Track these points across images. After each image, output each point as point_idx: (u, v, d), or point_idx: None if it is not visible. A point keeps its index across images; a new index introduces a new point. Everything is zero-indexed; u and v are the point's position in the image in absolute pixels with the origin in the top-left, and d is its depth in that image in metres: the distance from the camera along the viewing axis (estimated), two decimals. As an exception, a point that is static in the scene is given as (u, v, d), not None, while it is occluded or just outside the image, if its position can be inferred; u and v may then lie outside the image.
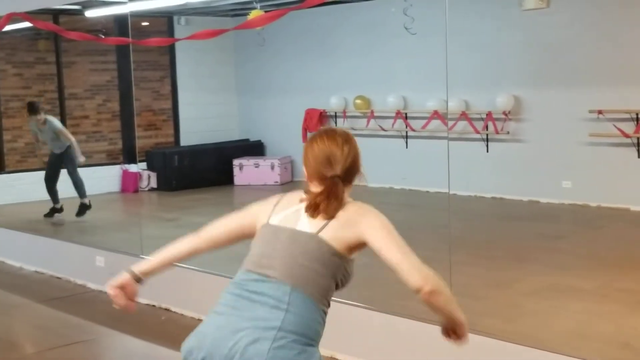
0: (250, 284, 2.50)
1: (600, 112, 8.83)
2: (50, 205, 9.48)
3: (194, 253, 2.81)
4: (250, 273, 2.53)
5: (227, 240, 2.80)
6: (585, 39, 9.09)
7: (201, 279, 6.02)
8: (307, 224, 2.51)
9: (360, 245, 2.53)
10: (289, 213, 2.57)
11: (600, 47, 8.96)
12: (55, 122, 9.53)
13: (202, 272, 6.05)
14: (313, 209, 2.50)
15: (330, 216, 2.50)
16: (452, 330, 2.64)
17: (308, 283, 2.46)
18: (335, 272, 2.51)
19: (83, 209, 9.27)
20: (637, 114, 8.59)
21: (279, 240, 2.52)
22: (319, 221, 2.50)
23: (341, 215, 2.51)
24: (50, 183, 9.51)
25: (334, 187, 2.52)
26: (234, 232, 2.75)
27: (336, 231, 2.50)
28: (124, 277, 2.74)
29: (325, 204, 2.50)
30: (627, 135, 8.66)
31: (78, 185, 9.34)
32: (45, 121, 9.29)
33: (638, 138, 8.66)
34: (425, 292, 2.44)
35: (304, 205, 2.55)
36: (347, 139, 2.62)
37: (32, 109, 9.51)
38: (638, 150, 8.71)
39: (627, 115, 8.69)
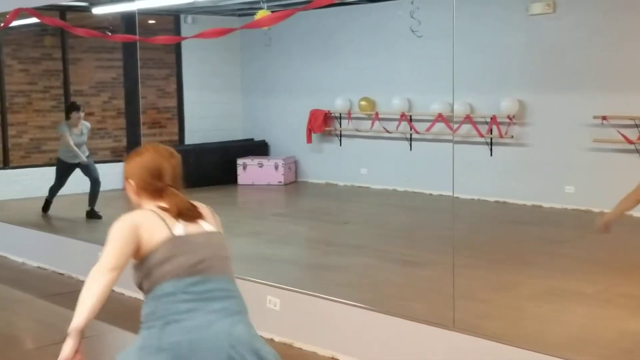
0: (197, 287, 2.74)
1: (604, 117, 8.83)
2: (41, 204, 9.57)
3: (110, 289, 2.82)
4: (191, 278, 2.75)
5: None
6: (590, 45, 9.09)
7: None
8: (207, 226, 2.87)
9: None
10: (182, 223, 2.81)
11: (605, 52, 8.97)
12: (88, 125, 9.55)
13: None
14: (193, 215, 2.84)
15: (202, 215, 2.89)
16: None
17: (231, 270, 2.89)
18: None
19: (95, 215, 9.36)
20: (641, 120, 8.60)
21: (199, 244, 2.80)
22: (205, 221, 2.88)
23: (204, 211, 2.93)
24: (55, 193, 9.54)
25: (175, 197, 2.83)
26: (129, 257, 2.82)
27: (217, 224, 2.94)
28: (73, 345, 2.72)
29: (192, 207, 2.86)
30: (630, 142, 8.66)
31: (96, 196, 9.41)
32: (80, 123, 9.27)
33: (642, 144, 8.66)
34: None
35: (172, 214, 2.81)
36: (172, 153, 2.92)
37: (75, 107, 9.41)
38: (642, 157, 8.72)
39: (631, 122, 8.69)
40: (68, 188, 9.98)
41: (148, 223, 2.78)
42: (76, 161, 9.29)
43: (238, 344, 2.69)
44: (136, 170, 2.86)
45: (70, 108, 9.54)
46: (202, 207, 2.93)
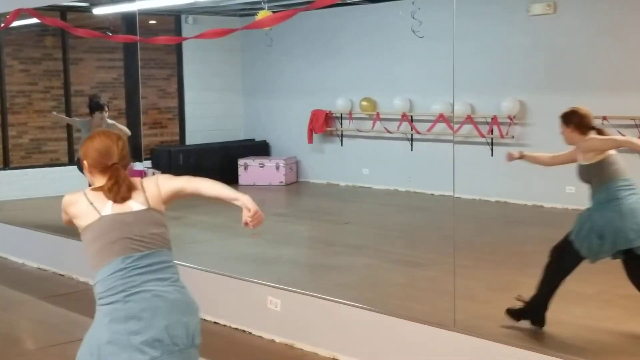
0: (138, 263, 3.09)
1: (604, 118, 8.81)
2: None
3: None
4: (129, 256, 3.08)
5: None
6: (591, 45, 9.09)
7: (203, 278, 6.03)
8: (136, 205, 3.15)
9: (166, 199, 3.25)
10: (111, 203, 3.13)
11: (605, 53, 8.96)
12: (116, 123, 8.89)
13: (205, 271, 6.06)
14: (123, 196, 3.13)
15: (135, 189, 3.18)
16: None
17: (165, 242, 3.20)
18: (166, 224, 3.24)
19: None
20: (642, 121, 8.59)
21: (126, 223, 3.11)
22: (137, 198, 3.17)
23: (141, 186, 3.21)
24: None
25: (118, 171, 3.16)
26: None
27: (151, 198, 3.19)
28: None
29: (123, 186, 3.14)
30: (632, 142, 8.65)
31: None
32: (103, 124, 8.63)
33: (643, 144, 8.64)
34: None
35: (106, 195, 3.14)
36: (119, 137, 3.28)
37: (98, 106, 8.72)
38: (643, 157, 8.71)
39: (631, 122, 8.67)
40: (61, 189, 9.94)
41: (78, 204, 3.16)
42: None
43: (186, 311, 3.17)
44: (89, 152, 3.22)
45: (93, 107, 8.85)
46: (144, 182, 3.24)
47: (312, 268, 7.10)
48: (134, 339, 2.99)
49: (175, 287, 3.18)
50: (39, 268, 7.64)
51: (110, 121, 8.85)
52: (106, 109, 8.79)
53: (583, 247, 4.84)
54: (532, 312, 4.98)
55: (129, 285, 3.05)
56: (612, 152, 4.99)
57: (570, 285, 5.93)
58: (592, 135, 5.01)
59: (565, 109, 9.29)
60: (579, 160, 5.01)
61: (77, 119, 8.81)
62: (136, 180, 3.26)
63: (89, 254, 3.19)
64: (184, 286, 3.24)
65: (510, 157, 5.27)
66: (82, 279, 7.03)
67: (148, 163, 11.84)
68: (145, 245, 3.13)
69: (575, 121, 5.11)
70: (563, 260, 4.88)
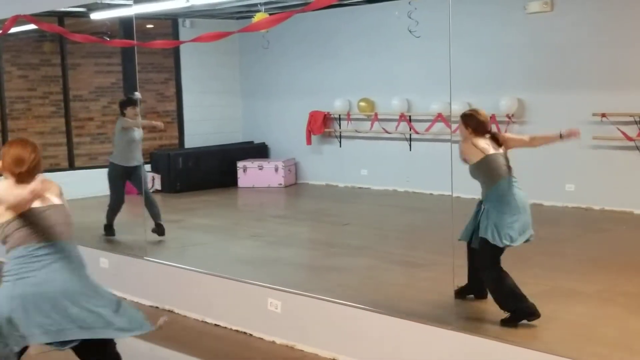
0: (42, 250, 3.69)
1: (603, 115, 8.84)
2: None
3: None
4: (37, 244, 3.69)
5: None
6: (588, 43, 9.10)
7: (203, 280, 6.04)
8: (55, 199, 3.87)
9: None
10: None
11: (603, 50, 8.97)
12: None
13: (205, 273, 6.07)
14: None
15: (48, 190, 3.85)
16: None
17: (71, 234, 3.90)
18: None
19: (162, 229, 8.07)
20: (639, 117, 8.61)
21: (45, 215, 3.75)
22: (53, 196, 3.88)
23: (50, 188, 3.88)
24: (117, 211, 8.42)
25: (29, 179, 3.78)
26: None
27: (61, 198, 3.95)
28: None
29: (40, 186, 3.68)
30: (630, 139, 8.67)
31: (154, 204, 8.18)
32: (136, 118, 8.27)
33: (642, 141, 8.67)
34: None
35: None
36: (35, 148, 3.90)
37: (131, 102, 8.31)
38: (641, 154, 8.72)
39: (630, 119, 8.69)
40: (67, 194, 9.90)
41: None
42: (134, 164, 8.25)
43: (72, 296, 3.66)
44: (5, 156, 3.79)
45: (125, 103, 8.42)
46: (52, 184, 3.95)
47: (312, 269, 7.11)
48: None
49: (70, 276, 3.73)
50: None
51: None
52: (139, 103, 8.46)
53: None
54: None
55: (23, 270, 3.64)
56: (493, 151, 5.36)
57: (570, 284, 5.96)
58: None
59: (563, 106, 9.34)
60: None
61: (118, 123, 8.42)
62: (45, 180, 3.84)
63: (4, 237, 3.78)
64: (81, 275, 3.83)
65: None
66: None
67: (147, 167, 11.85)
68: (55, 235, 3.79)
69: (473, 125, 5.34)
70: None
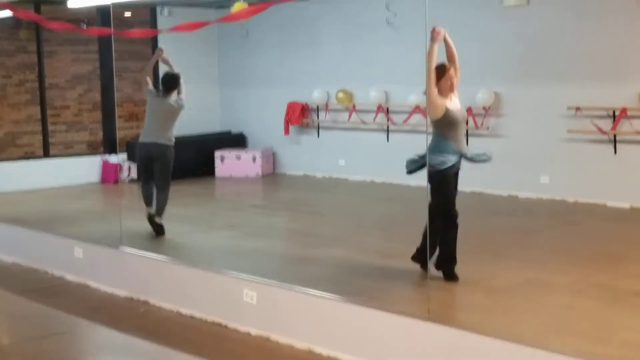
0: None
1: (578, 108, 8.92)
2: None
3: None
4: None
5: None
6: (564, 37, 9.17)
7: (179, 271, 6.03)
8: None
9: None
10: None
11: (578, 44, 9.05)
12: (181, 102, 7.95)
13: (181, 264, 6.06)
14: None
15: None
16: None
17: None
18: None
19: (161, 229, 7.66)
20: (613, 111, 8.69)
21: None
22: None
23: None
24: (151, 192, 7.81)
25: None
26: None
27: None
28: None
29: None
30: (604, 132, 8.76)
31: (163, 202, 7.78)
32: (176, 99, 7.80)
33: (615, 135, 8.76)
34: None
35: None
36: None
37: (173, 81, 7.89)
38: (615, 147, 8.81)
39: (604, 113, 8.78)
40: (36, 183, 9.75)
41: None
42: (159, 140, 7.73)
43: None
44: None
45: (167, 83, 7.92)
46: None
47: (288, 260, 7.13)
48: None
49: None
50: (13, 263, 7.60)
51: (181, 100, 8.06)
52: (180, 84, 8.00)
53: None
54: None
55: None
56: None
57: (543, 275, 6.02)
58: None
59: (539, 99, 9.40)
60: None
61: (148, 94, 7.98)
62: None
63: None
64: None
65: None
66: (57, 274, 7.00)
67: (124, 156, 11.80)
68: None
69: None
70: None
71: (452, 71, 5.67)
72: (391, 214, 9.14)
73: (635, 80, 8.54)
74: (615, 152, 8.81)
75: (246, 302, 5.44)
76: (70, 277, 6.87)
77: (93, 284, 6.62)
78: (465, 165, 9.96)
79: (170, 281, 6.07)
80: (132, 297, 6.24)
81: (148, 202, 7.73)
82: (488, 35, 9.82)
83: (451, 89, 5.72)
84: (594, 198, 8.92)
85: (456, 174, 5.82)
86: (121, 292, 6.30)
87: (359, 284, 5.96)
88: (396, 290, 5.72)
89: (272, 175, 12.21)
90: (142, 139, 7.84)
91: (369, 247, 7.28)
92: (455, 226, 5.73)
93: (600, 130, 8.76)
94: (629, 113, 8.60)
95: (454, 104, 5.76)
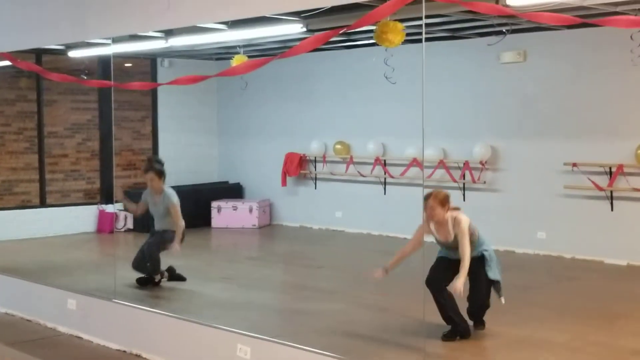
0: None
1: (574, 164, 8.96)
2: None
3: None
4: None
5: None
6: (560, 93, 9.25)
7: (172, 324, 5.97)
8: None
9: None
10: None
11: (574, 101, 9.13)
12: (172, 196, 7.99)
13: (174, 317, 6.00)
14: None
15: None
16: None
17: None
18: None
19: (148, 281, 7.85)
20: (610, 168, 8.72)
21: None
22: None
23: None
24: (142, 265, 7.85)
25: None
26: None
27: None
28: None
29: None
30: (600, 189, 8.78)
31: (152, 263, 7.82)
32: (162, 191, 7.98)
33: (612, 191, 8.77)
34: None
35: None
36: None
37: (160, 172, 8.04)
38: (612, 204, 8.82)
39: (600, 169, 8.81)
40: (32, 231, 9.68)
41: None
42: (159, 228, 7.98)
43: None
44: None
45: (152, 172, 8.05)
46: None
47: (283, 313, 7.06)
48: None
49: None
50: (6, 313, 7.52)
51: (168, 189, 8.10)
52: (161, 170, 8.07)
53: None
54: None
55: None
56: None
57: (541, 333, 5.97)
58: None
59: (536, 154, 9.43)
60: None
61: (143, 199, 8.16)
62: None
63: None
64: None
65: (383, 273, 6.10)
66: (49, 325, 6.92)
67: (120, 205, 11.77)
68: None
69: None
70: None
71: (430, 201, 5.78)
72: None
73: (631, 137, 8.59)
74: (612, 208, 8.82)
75: (239, 357, 5.37)
76: (62, 328, 6.79)
77: (85, 336, 6.55)
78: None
79: (163, 334, 6.00)
80: (125, 349, 6.16)
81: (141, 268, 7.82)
82: (485, 90, 9.92)
83: (430, 217, 5.84)
84: (591, 255, 8.90)
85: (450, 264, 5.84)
86: (114, 345, 6.23)
87: (354, 338, 5.90)
88: (392, 346, 5.66)
89: (269, 227, 12.18)
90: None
91: (365, 300, 7.23)
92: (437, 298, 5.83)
93: (597, 187, 8.78)
94: (625, 170, 8.63)
95: (439, 228, 5.88)
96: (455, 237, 5.76)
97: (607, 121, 8.86)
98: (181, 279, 7.92)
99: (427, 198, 5.87)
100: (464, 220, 5.77)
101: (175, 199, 7.91)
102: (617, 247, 8.72)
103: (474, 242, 5.81)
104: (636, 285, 7.83)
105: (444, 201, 5.80)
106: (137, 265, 7.82)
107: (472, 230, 5.80)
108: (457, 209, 5.90)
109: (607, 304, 7.01)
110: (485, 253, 5.89)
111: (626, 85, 8.71)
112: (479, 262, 5.82)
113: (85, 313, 6.60)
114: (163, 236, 7.86)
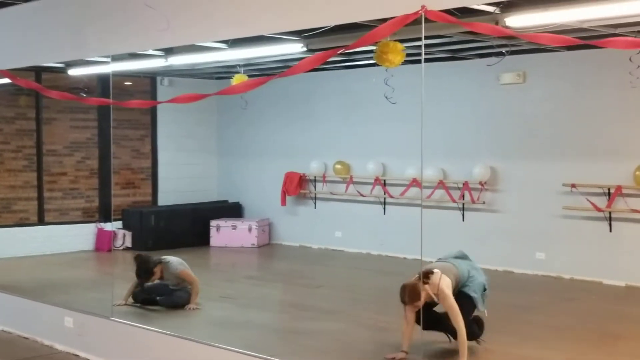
0: None
1: (573, 185, 8.96)
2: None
3: None
4: None
5: None
6: (559, 115, 9.28)
7: (169, 343, 5.94)
8: None
9: None
10: None
11: (573, 122, 9.15)
12: (174, 264, 7.75)
13: (173, 336, 5.97)
14: None
15: None
16: None
17: None
18: None
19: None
20: (608, 189, 8.73)
21: None
22: None
23: None
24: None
25: None
26: None
27: None
28: None
29: None
30: (599, 210, 8.78)
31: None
32: (162, 271, 7.71)
33: (610, 212, 8.77)
34: None
35: None
36: None
37: (145, 272, 7.66)
38: (610, 225, 8.82)
39: (599, 190, 8.82)
40: (30, 249, 9.65)
41: None
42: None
43: None
44: None
45: (139, 276, 7.68)
46: None
47: (282, 333, 7.03)
48: None
49: None
50: (3, 331, 7.48)
51: (167, 261, 7.75)
52: (154, 272, 7.70)
53: None
54: None
55: None
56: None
57: (540, 353, 5.95)
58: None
59: (535, 175, 9.42)
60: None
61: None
62: None
63: None
64: None
65: (400, 358, 5.71)
66: (46, 343, 6.89)
67: (119, 223, 11.77)
68: None
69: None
70: None
71: (406, 299, 5.61)
72: (387, 287, 9.03)
73: (630, 158, 8.60)
74: (610, 229, 8.81)
75: (237, 377, 5.34)
76: (59, 346, 6.76)
77: (82, 354, 6.51)
78: (460, 239, 10.02)
79: (161, 352, 5.96)
80: (122, 369, 6.13)
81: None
82: (485, 111, 9.95)
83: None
84: (590, 275, 8.88)
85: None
86: (110, 364, 6.19)
87: (354, 358, 5.87)
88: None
89: (268, 246, 12.16)
90: None
91: (365, 320, 7.21)
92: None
93: (596, 208, 8.78)
94: (624, 191, 8.64)
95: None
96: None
97: (606, 142, 8.88)
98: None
99: (402, 294, 5.64)
100: (447, 294, 5.58)
101: (179, 264, 7.75)
102: (615, 268, 8.71)
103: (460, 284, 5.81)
104: (634, 306, 7.81)
105: (417, 296, 5.55)
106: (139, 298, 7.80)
107: (456, 283, 5.76)
108: (429, 275, 5.66)
109: (606, 324, 6.98)
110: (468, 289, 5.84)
111: (625, 107, 8.74)
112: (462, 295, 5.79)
113: (82, 331, 6.57)
114: (177, 294, 7.73)
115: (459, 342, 5.53)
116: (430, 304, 5.69)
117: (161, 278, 7.75)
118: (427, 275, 5.60)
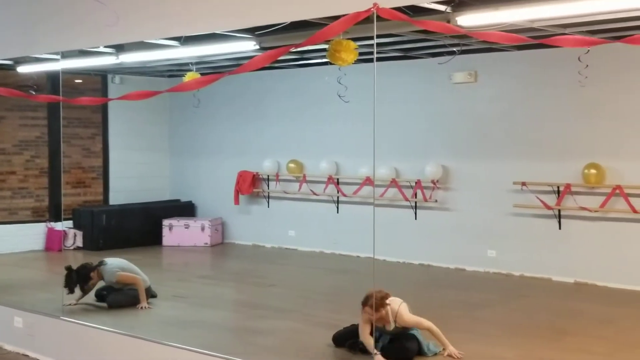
0: None
1: (523, 184, 9.11)
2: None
3: None
4: None
5: None
6: (510, 114, 9.42)
7: (120, 341, 5.88)
8: None
9: None
10: None
11: (524, 122, 9.30)
12: (111, 269, 7.63)
13: (124, 335, 5.91)
14: None
15: None
16: None
17: None
18: None
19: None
20: (558, 187, 8.89)
21: None
22: None
23: None
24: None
25: None
26: None
27: None
28: None
29: None
30: (549, 207, 8.94)
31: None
32: (99, 275, 7.59)
33: (559, 210, 8.94)
34: None
35: None
36: None
37: (84, 279, 7.45)
38: (559, 222, 8.98)
39: (549, 188, 8.98)
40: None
41: None
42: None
43: None
44: None
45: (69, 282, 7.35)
46: None
47: (235, 332, 7.01)
48: None
49: None
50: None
51: (104, 267, 7.61)
52: (91, 277, 7.54)
53: None
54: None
55: None
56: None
57: (490, 349, 6.03)
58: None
59: (486, 174, 9.56)
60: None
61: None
62: None
63: None
64: None
65: None
66: (8, 347, 6.76)
67: (69, 223, 11.59)
68: None
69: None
70: None
71: (367, 309, 5.70)
72: (340, 285, 9.11)
73: (579, 157, 8.77)
74: (559, 227, 8.98)
75: (190, 376, 5.31)
76: (9, 346, 6.64)
77: (32, 354, 6.41)
78: (413, 237, 10.09)
79: (112, 352, 5.90)
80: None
81: None
82: (437, 110, 10.04)
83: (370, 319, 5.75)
84: (540, 272, 9.04)
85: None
86: (61, 365, 6.11)
87: (307, 356, 5.87)
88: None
89: (221, 245, 12.10)
90: None
91: (317, 319, 7.22)
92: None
93: (546, 206, 8.94)
94: (573, 189, 8.81)
95: (379, 320, 5.80)
96: (396, 325, 5.81)
97: (556, 141, 9.04)
98: (152, 295, 7.84)
99: (364, 305, 5.73)
100: (405, 314, 5.81)
101: (117, 266, 7.67)
102: (564, 265, 8.88)
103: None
104: (583, 302, 7.97)
105: (381, 305, 5.71)
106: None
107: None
108: (387, 297, 5.80)
109: (555, 320, 7.11)
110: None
111: (574, 106, 8.91)
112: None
113: (32, 331, 6.46)
114: (125, 291, 7.66)
115: (436, 334, 5.79)
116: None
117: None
118: (385, 298, 5.79)
